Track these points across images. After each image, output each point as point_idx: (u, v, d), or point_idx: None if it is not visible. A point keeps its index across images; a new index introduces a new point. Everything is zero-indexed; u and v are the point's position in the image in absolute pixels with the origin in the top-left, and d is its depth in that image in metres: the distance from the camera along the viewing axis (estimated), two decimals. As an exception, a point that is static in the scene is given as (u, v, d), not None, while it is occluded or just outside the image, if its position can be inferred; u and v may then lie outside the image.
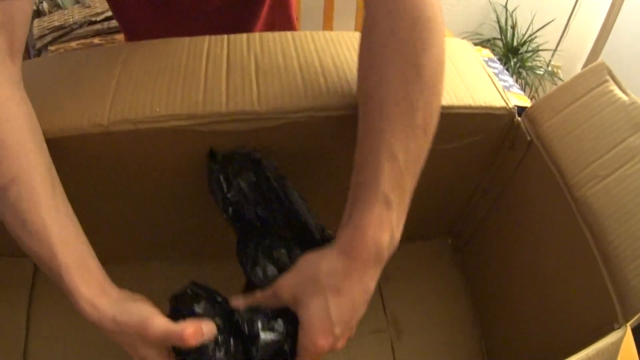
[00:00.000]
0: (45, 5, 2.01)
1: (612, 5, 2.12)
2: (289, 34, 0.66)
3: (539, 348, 0.62)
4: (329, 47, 0.64)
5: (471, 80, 0.65)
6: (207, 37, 0.66)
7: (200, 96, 0.58)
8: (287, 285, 0.51)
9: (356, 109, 0.56)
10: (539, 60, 2.24)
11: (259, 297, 0.53)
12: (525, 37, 2.19)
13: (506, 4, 2.18)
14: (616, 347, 0.47)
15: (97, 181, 0.65)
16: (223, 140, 0.59)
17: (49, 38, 1.86)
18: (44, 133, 0.56)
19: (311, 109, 0.57)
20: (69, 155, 0.60)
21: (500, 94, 0.64)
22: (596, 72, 0.60)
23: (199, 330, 0.49)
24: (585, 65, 2.27)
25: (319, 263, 0.49)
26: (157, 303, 0.74)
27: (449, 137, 0.64)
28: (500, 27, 2.20)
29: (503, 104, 0.63)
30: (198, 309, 0.53)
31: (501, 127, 0.65)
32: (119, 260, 0.77)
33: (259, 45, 0.64)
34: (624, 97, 0.57)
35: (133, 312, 0.50)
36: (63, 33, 1.85)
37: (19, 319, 0.73)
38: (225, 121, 0.57)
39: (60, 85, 0.62)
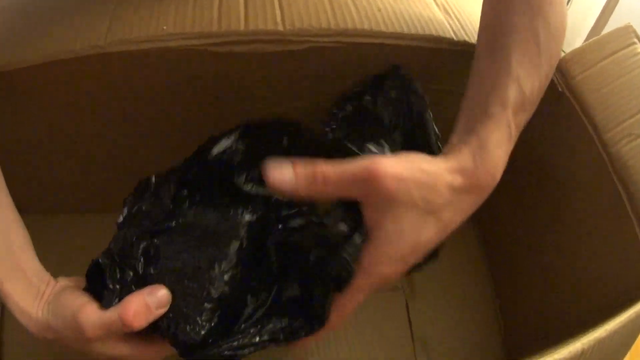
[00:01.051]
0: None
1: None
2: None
3: (563, 312, 0.61)
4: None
5: None
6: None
7: (214, 14, 0.53)
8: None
9: (389, 37, 0.53)
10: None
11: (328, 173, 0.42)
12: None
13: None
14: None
15: (89, 114, 0.61)
16: (238, 64, 0.55)
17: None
18: (28, 61, 0.52)
19: (341, 34, 0.53)
20: (59, 84, 0.55)
21: None
22: (624, 33, 0.58)
23: (141, 307, 0.41)
24: (585, 41, 2.26)
25: (424, 169, 0.42)
26: None
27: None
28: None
29: None
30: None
31: None
32: (108, 209, 0.72)
33: (278, -33, 0.60)
34: (653, 61, 0.56)
35: (64, 310, 0.43)
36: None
37: None
38: (244, 41, 0.52)
39: (48, 12, 0.57)
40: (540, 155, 0.65)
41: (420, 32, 0.54)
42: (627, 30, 0.58)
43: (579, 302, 0.57)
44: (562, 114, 0.60)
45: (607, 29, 2.07)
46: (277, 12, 0.53)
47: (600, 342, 0.40)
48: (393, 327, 0.72)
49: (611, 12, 2.13)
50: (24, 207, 0.69)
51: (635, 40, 0.58)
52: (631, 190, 0.51)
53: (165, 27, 0.52)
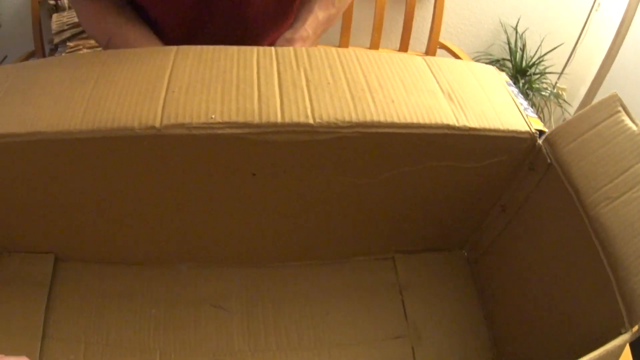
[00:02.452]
0: (65, 0, 2.01)
1: (618, 33, 2.18)
2: (333, 50, 0.71)
3: (549, 354, 0.67)
4: (372, 66, 0.69)
5: (498, 104, 0.69)
6: (254, 48, 0.69)
7: (255, 106, 0.61)
8: None
9: (400, 127, 0.62)
10: (546, 82, 2.29)
11: None
12: (533, 59, 2.24)
13: (516, 26, 2.23)
14: (621, 349, 0.52)
15: (141, 182, 0.68)
16: (274, 149, 0.63)
17: (67, 34, 1.85)
18: (89, 132, 0.58)
19: (360, 125, 0.61)
20: (116, 155, 0.62)
21: (524, 119, 0.68)
22: (610, 102, 0.64)
23: None
24: (589, 89, 2.32)
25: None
26: (186, 307, 0.79)
27: (476, 157, 0.69)
28: (510, 48, 2.25)
29: (527, 129, 0.67)
30: None
31: (524, 149, 0.69)
32: (149, 262, 0.82)
33: (307, 59, 0.68)
34: (634, 127, 0.61)
35: None
36: (82, 30, 1.85)
37: (36, 319, 0.73)
38: (280, 132, 0.60)
39: (103, 84, 0.63)
40: (529, 219, 0.73)
41: (427, 120, 0.63)
42: (612, 99, 0.64)
43: (566, 344, 0.63)
44: (549, 183, 0.67)
45: (608, 77, 2.15)
46: (308, 105, 0.62)
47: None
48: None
49: (612, 61, 2.21)
50: (64, 256, 0.80)
51: (620, 108, 0.63)
52: (607, 248, 0.57)
53: (213, 116, 0.60)
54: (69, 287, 0.78)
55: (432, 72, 0.71)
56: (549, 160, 0.67)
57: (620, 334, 0.53)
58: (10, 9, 2.06)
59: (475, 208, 0.80)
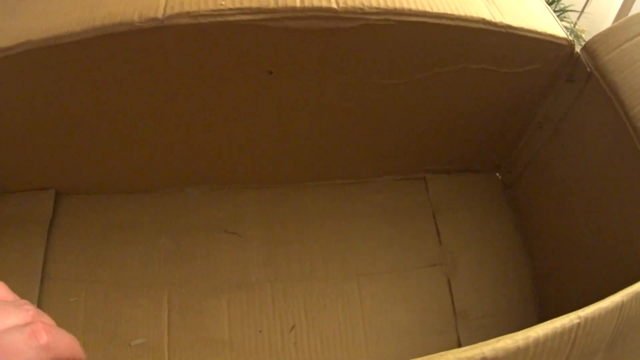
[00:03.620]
0: None
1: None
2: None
3: (593, 283, 0.63)
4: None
5: (534, 9, 0.65)
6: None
7: None
8: None
9: (433, 16, 0.56)
10: (566, 20, 2.23)
11: None
12: (553, -4, 2.18)
13: (537, -39, 2.16)
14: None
15: (144, 90, 0.62)
16: (293, 40, 0.57)
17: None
18: (82, 33, 0.52)
19: (390, 12, 0.55)
20: (113, 57, 0.56)
21: (561, 27, 0.64)
22: None
23: None
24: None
25: None
26: (197, 235, 0.74)
27: (511, 61, 0.64)
28: (529, -17, 2.19)
29: (564, 35, 0.63)
30: None
31: (561, 57, 0.65)
32: (155, 188, 0.77)
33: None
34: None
35: None
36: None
37: (35, 258, 0.69)
38: (300, 17, 0.54)
39: None
40: (570, 135, 0.68)
41: (461, 12, 0.57)
42: (648, 13, 0.60)
43: (612, 271, 0.59)
44: (591, 95, 0.63)
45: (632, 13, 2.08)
46: (330, -11, 0.56)
47: (638, 295, 0.41)
48: (436, 301, 0.73)
49: (632, 3, 2.14)
50: (66, 190, 0.75)
51: (656, 23, 0.60)
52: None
53: (223, 2, 0.54)
54: (70, 223, 0.73)
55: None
56: (588, 69, 0.63)
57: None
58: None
59: (510, 123, 0.75)
